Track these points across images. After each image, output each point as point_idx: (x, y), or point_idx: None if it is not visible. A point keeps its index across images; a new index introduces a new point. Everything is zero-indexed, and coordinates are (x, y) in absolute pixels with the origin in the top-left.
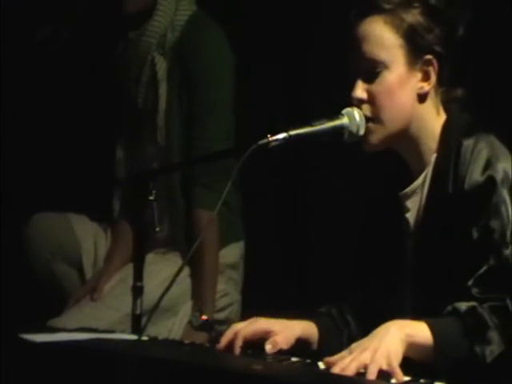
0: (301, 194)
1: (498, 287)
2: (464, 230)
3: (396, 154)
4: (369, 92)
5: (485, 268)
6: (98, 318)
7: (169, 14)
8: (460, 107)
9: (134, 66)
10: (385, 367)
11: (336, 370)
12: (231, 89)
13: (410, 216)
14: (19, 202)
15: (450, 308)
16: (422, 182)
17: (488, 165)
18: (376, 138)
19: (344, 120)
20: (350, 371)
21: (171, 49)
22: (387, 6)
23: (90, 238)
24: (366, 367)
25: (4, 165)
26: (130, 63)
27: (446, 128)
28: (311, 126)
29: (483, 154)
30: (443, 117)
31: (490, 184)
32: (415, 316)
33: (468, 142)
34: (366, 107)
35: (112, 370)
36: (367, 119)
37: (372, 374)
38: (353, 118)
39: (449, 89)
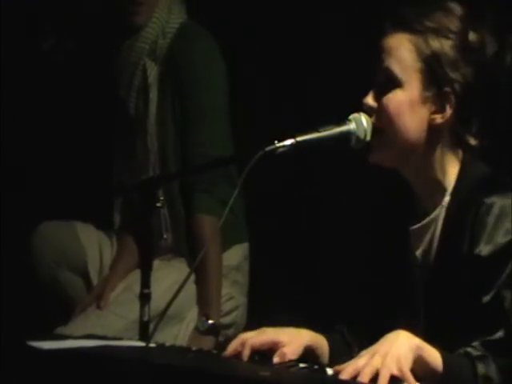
0: (307, 195)
1: (506, 355)
2: (475, 290)
3: (407, 185)
4: (379, 103)
5: (494, 335)
6: (105, 326)
7: (161, 21)
8: (474, 156)
9: (127, 72)
10: (396, 372)
11: (346, 374)
12: (223, 94)
13: (419, 254)
14: (25, 211)
15: (461, 351)
16: (434, 222)
17: (508, 232)
18: (379, 149)
19: (351, 126)
20: (363, 376)
21: (162, 55)
22: (417, 27)
23: (95, 246)
24: (377, 372)
25: (10, 173)
26: (122, 69)
27: (462, 175)
28: (318, 131)
29: (505, 220)
30: (459, 162)
31: (510, 251)
32: None
33: (489, 202)
34: (373, 117)
35: (120, 377)
36: (374, 129)
37: (384, 379)
38: (360, 123)
39: (462, 132)
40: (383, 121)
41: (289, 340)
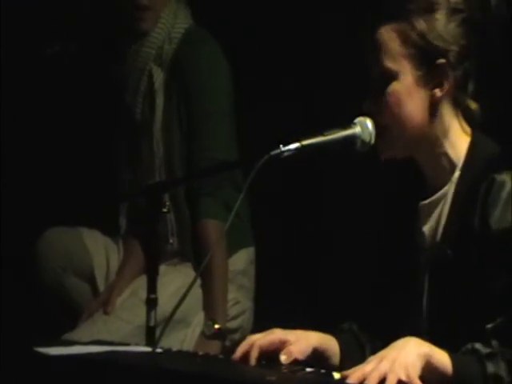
0: (313, 198)
1: None
2: (485, 269)
3: (414, 162)
4: (380, 102)
5: (504, 321)
6: (111, 331)
7: (167, 26)
8: (484, 132)
9: (133, 77)
10: (403, 378)
11: (354, 379)
12: (228, 98)
13: (426, 230)
14: (31, 218)
15: (469, 347)
16: (443, 198)
17: None
18: (389, 147)
19: (356, 129)
20: (370, 381)
21: (168, 61)
22: (400, 15)
23: (101, 251)
24: (384, 377)
25: (17, 180)
26: (128, 74)
27: (472, 151)
28: (323, 135)
29: None
30: (469, 137)
31: None
32: (430, 338)
33: (501, 179)
34: (377, 117)
35: (127, 383)
36: (380, 129)
37: None
38: (365, 126)
39: (461, 97)
40: (387, 117)
41: (296, 339)
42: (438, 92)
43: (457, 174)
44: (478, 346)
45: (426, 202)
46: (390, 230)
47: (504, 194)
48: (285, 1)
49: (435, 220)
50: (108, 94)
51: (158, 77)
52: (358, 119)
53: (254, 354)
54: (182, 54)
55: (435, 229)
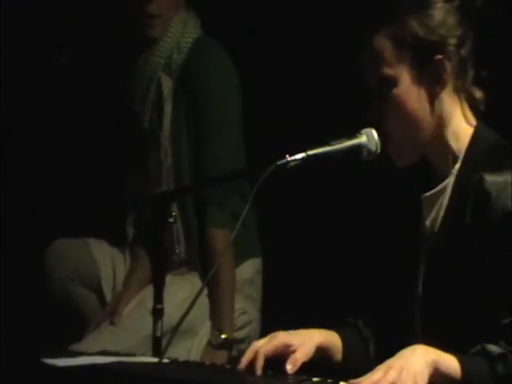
0: (320, 208)
1: None
2: (483, 263)
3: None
4: (382, 109)
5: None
6: (118, 342)
7: (176, 35)
8: (487, 124)
9: (142, 85)
10: None
11: None
12: (237, 107)
13: (428, 221)
14: (39, 228)
15: (479, 348)
16: (445, 189)
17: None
18: (400, 154)
19: (362, 138)
20: None
21: (177, 70)
22: (391, 19)
23: (108, 262)
24: None
25: (25, 191)
26: (137, 83)
27: (473, 144)
28: (329, 145)
29: (509, 193)
30: (472, 128)
31: None
32: (423, 331)
33: (491, 178)
34: (381, 124)
35: None
36: (385, 137)
37: None
38: (371, 136)
39: (466, 86)
40: (390, 121)
41: (300, 342)
42: (437, 88)
43: (457, 165)
44: (489, 346)
45: (429, 194)
46: (395, 226)
47: (493, 191)
48: (292, 12)
49: (436, 211)
50: (116, 103)
51: (167, 85)
52: (364, 129)
53: (260, 363)
54: (190, 64)
55: (435, 220)
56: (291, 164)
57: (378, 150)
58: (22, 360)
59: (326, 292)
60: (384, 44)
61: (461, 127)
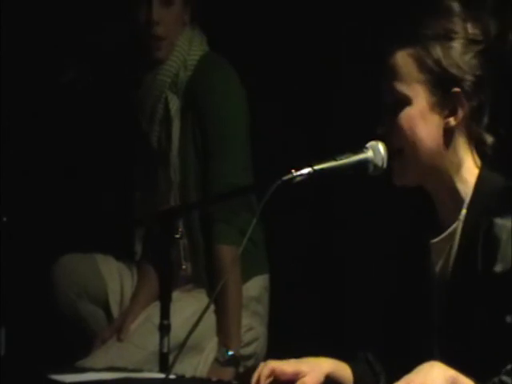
0: (327, 223)
1: None
2: (493, 310)
3: (428, 198)
4: (393, 126)
5: None
6: (125, 358)
7: (183, 53)
8: (491, 165)
9: (149, 104)
10: None
11: None
12: (244, 124)
13: (438, 268)
14: (47, 244)
15: (496, 380)
16: (452, 235)
17: None
18: (403, 172)
19: (369, 153)
20: None
21: (184, 88)
22: (415, 40)
23: (115, 277)
24: None
25: (33, 206)
26: (144, 101)
27: (479, 187)
28: (335, 160)
29: None
30: (478, 169)
31: None
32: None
33: (501, 222)
34: (391, 140)
35: None
36: (393, 153)
37: None
38: (377, 151)
39: (479, 130)
40: (400, 140)
41: (309, 370)
42: (452, 120)
43: (464, 211)
44: (504, 378)
45: (437, 240)
46: (403, 268)
47: (505, 235)
48: (299, 27)
49: (445, 258)
50: (124, 121)
51: (174, 104)
52: (370, 143)
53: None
54: (196, 81)
55: (445, 268)
56: (297, 179)
57: (385, 165)
58: (29, 376)
59: (333, 309)
60: (407, 62)
61: (469, 171)
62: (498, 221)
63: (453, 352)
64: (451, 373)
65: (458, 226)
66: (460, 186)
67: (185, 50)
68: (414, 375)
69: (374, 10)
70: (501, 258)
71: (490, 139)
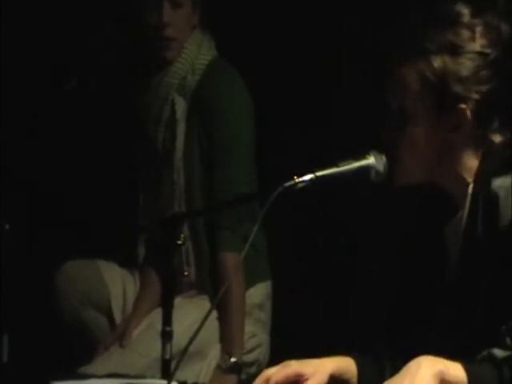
0: (330, 231)
1: None
2: (501, 270)
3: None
4: (396, 137)
5: None
6: (127, 365)
7: (191, 57)
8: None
9: (155, 106)
10: None
11: None
12: (250, 130)
13: (450, 251)
14: (49, 250)
15: (486, 353)
16: (461, 217)
17: None
18: (402, 177)
19: (370, 160)
20: None
21: (191, 91)
22: (418, 54)
23: (118, 284)
24: None
25: (35, 212)
26: (151, 103)
27: (481, 167)
28: (337, 166)
29: None
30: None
31: None
32: (452, 353)
33: (499, 181)
34: (393, 149)
35: None
36: (394, 160)
37: None
38: (379, 157)
39: (485, 133)
40: (403, 153)
41: (313, 371)
42: (455, 136)
43: (469, 191)
44: (494, 351)
45: (449, 225)
46: (415, 256)
47: (502, 193)
48: (298, 27)
49: (457, 239)
50: (128, 124)
51: (180, 106)
52: (372, 150)
53: None
54: (204, 86)
55: (455, 248)
56: (299, 185)
57: (386, 171)
58: (31, 382)
59: (336, 316)
60: (412, 78)
61: (471, 161)
62: (496, 180)
63: (464, 323)
64: (439, 366)
65: (466, 207)
66: (465, 173)
67: (193, 53)
68: (401, 378)
69: (374, 10)
70: (501, 215)
71: (498, 138)
